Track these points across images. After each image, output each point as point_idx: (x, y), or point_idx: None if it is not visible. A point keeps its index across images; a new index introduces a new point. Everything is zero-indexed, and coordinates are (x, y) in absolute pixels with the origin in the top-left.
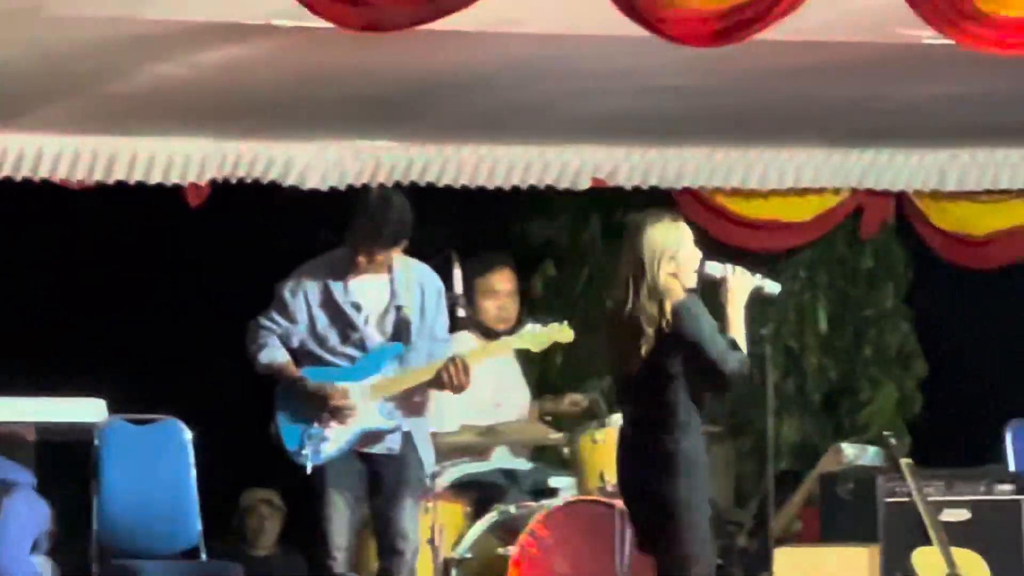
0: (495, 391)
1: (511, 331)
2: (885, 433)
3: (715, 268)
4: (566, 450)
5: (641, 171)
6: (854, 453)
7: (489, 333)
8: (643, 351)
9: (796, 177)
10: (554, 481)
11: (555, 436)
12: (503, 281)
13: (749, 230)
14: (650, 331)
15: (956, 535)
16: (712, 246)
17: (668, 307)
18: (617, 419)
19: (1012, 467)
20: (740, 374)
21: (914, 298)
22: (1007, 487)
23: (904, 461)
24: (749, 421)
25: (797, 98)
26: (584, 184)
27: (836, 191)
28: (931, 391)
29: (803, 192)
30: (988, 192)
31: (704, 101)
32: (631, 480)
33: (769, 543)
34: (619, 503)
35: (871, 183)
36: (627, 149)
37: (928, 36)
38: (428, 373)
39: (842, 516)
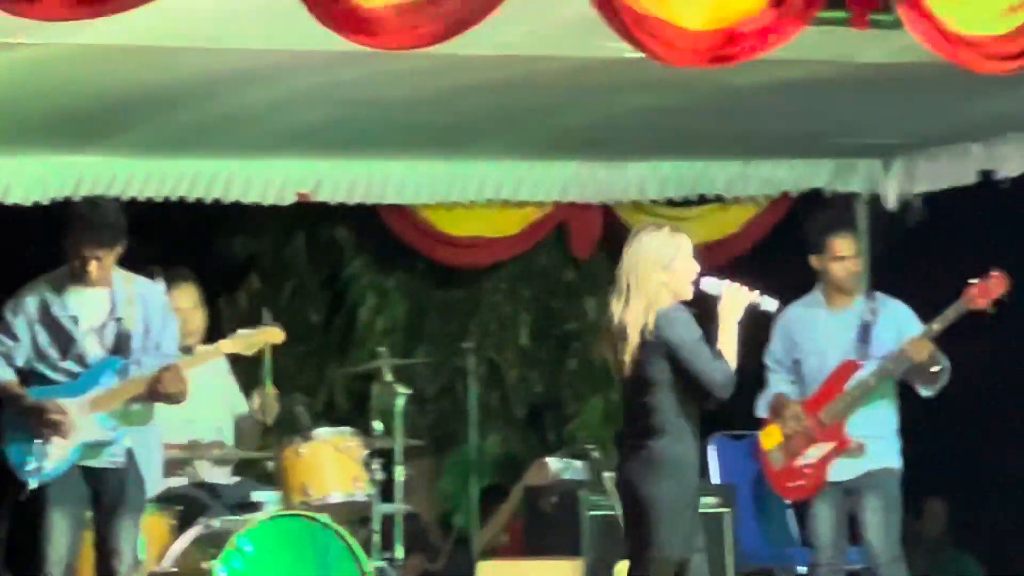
0: (212, 404)
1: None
2: (588, 447)
3: (710, 284)
4: (270, 464)
5: (346, 186)
6: (560, 467)
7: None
8: (629, 357)
9: (498, 190)
10: (258, 495)
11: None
12: (184, 297)
13: (453, 248)
14: (635, 338)
15: None
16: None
17: (652, 315)
18: (321, 432)
19: (715, 480)
20: (724, 385)
21: None
22: (711, 500)
23: (608, 475)
24: (453, 435)
25: (500, 111)
26: (289, 199)
27: (540, 204)
28: None
29: (506, 205)
30: (689, 203)
31: (407, 114)
32: (622, 482)
33: (473, 557)
34: (323, 516)
35: (574, 195)
36: (331, 163)
37: (628, 49)
38: (141, 384)
39: (546, 529)
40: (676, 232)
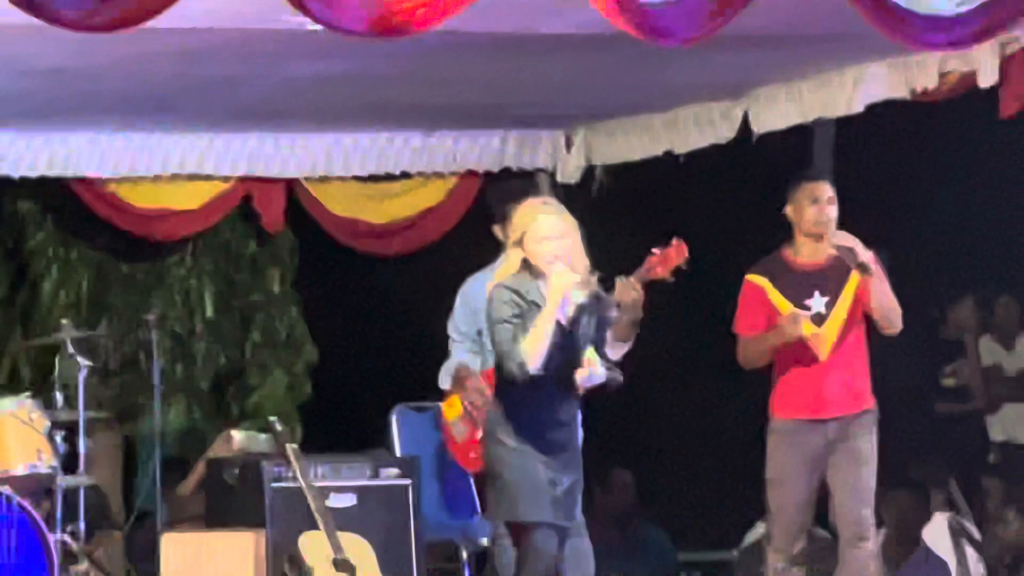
0: None
1: None
2: (271, 419)
3: (556, 267)
4: None
5: (29, 158)
6: (244, 439)
7: None
8: None
9: (182, 164)
10: None
11: None
12: None
13: (142, 219)
14: None
15: (343, 520)
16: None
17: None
18: (3, 404)
19: (398, 451)
20: (510, 370)
21: (302, 283)
22: (393, 471)
23: (291, 446)
24: (137, 407)
25: (180, 82)
26: None
27: (225, 178)
28: (320, 376)
29: (192, 178)
30: (388, 178)
31: (89, 85)
32: None
33: (156, 529)
34: (5, 488)
35: (259, 169)
36: (13, 135)
37: (308, 21)
38: None
39: (228, 501)
40: (534, 207)
